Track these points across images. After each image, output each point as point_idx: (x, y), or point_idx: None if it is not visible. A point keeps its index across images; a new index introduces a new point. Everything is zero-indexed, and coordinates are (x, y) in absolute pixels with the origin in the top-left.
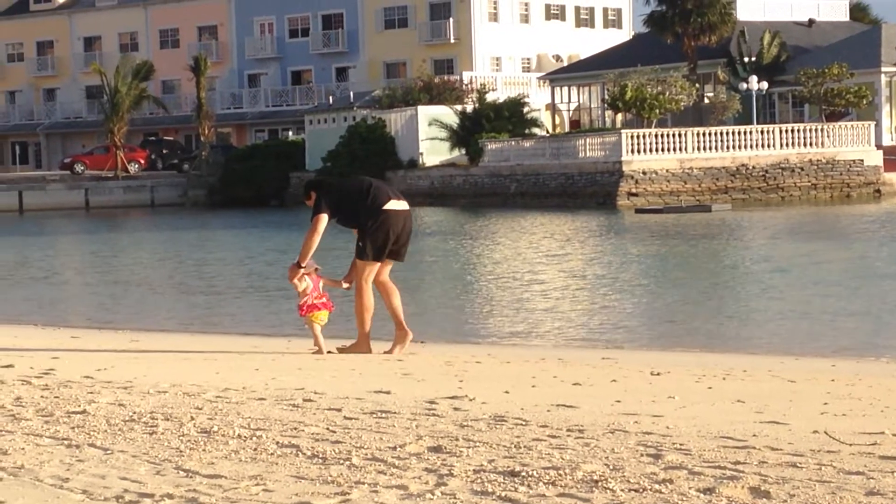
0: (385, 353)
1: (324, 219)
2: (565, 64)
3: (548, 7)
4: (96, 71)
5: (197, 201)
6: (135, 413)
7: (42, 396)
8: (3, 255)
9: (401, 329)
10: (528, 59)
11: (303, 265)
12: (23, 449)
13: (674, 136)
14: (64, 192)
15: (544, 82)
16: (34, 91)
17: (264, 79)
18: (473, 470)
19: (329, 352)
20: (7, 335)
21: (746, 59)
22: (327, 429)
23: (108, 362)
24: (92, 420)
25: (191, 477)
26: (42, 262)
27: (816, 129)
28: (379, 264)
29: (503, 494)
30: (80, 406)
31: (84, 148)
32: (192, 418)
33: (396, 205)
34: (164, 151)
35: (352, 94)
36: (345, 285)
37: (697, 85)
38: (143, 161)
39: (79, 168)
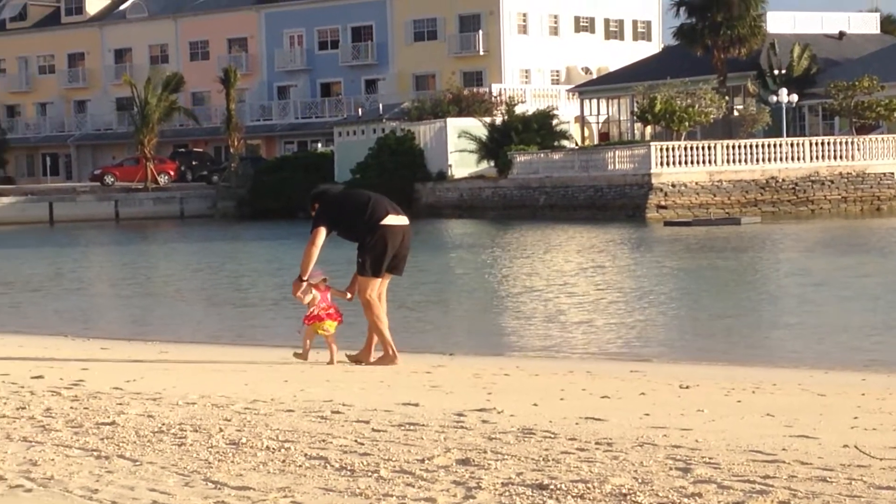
0: (349, 355)
1: (322, 232)
2: (594, 76)
3: (577, 19)
4: (127, 83)
5: (226, 213)
6: (164, 424)
7: (72, 407)
8: (35, 266)
9: (367, 349)
10: (558, 71)
11: (304, 279)
12: (52, 460)
13: (703, 148)
14: (94, 203)
15: (573, 95)
16: (65, 103)
17: (293, 91)
18: (502, 483)
19: (337, 361)
20: (37, 346)
21: (776, 72)
22: (355, 441)
23: (138, 373)
24: (121, 431)
25: (219, 489)
26: (73, 274)
27: (847, 142)
28: (380, 280)
29: None
30: (109, 417)
31: (114, 159)
32: (221, 430)
33: (395, 220)
34: (194, 163)
35: (381, 106)
36: (348, 296)
37: (727, 97)
38: (172, 173)
39: (109, 180)
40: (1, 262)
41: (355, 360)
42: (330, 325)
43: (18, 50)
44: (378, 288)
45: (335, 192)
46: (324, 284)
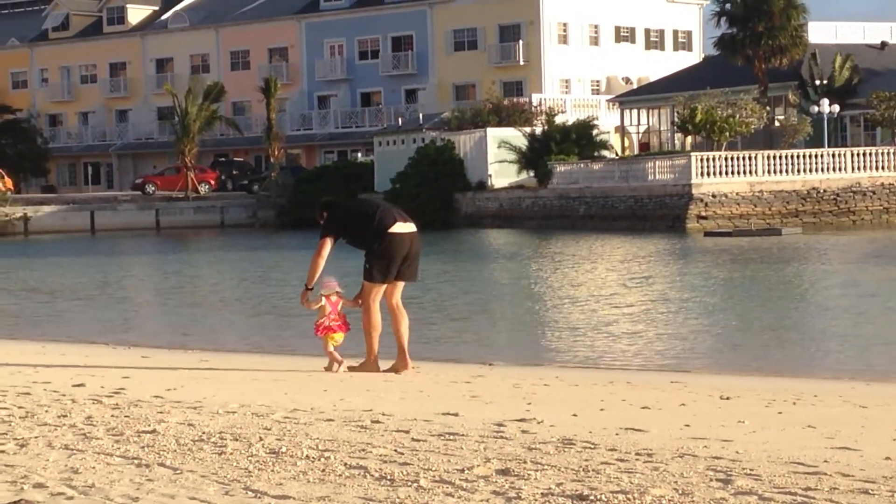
0: (384, 371)
1: (328, 242)
2: (635, 86)
3: (617, 29)
4: (168, 92)
5: (266, 222)
6: (204, 433)
7: (112, 415)
8: (77, 275)
9: (402, 355)
10: (598, 81)
11: (310, 287)
12: (93, 468)
13: (744, 159)
14: (135, 212)
15: (614, 105)
16: (107, 112)
17: (334, 100)
18: (541, 493)
19: (350, 368)
20: (79, 354)
21: (818, 82)
22: (395, 450)
23: (178, 382)
24: (161, 440)
25: (259, 497)
26: (115, 283)
27: (888, 153)
28: (384, 285)
29: None
30: (149, 425)
31: (155, 169)
32: (261, 439)
33: (402, 227)
34: (235, 172)
35: (421, 115)
36: (359, 302)
37: (768, 108)
38: (213, 182)
39: (150, 188)
40: (43, 271)
41: (392, 369)
42: (339, 336)
43: (61, 59)
44: (393, 294)
45: (345, 202)
46: (336, 295)
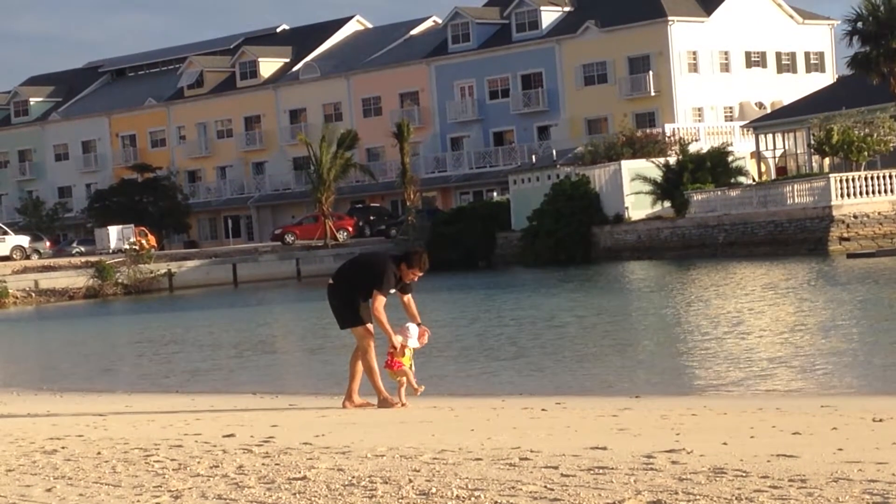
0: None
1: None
2: (769, 111)
3: (748, 54)
4: (302, 142)
5: None
6: (354, 477)
7: (263, 464)
8: (227, 328)
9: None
10: (731, 107)
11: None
12: None
13: (884, 177)
14: (276, 262)
15: (748, 130)
16: (243, 165)
17: (467, 141)
18: None
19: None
20: (227, 404)
21: None
22: (545, 486)
23: (326, 428)
24: (312, 486)
25: None
26: (262, 332)
27: None
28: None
29: None
30: (300, 472)
31: (293, 218)
32: (411, 480)
33: (330, 280)
34: (372, 218)
35: (554, 151)
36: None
37: None
38: (351, 229)
39: (289, 238)
40: (192, 326)
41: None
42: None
43: (197, 116)
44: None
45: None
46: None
